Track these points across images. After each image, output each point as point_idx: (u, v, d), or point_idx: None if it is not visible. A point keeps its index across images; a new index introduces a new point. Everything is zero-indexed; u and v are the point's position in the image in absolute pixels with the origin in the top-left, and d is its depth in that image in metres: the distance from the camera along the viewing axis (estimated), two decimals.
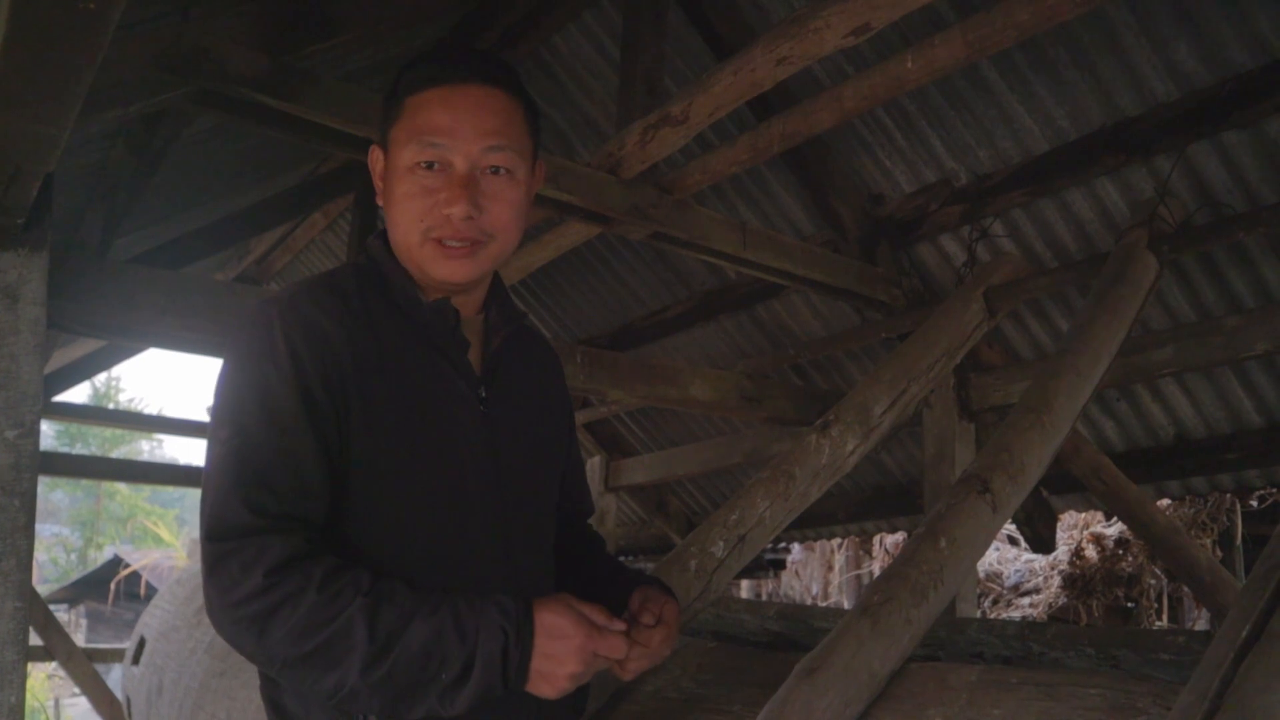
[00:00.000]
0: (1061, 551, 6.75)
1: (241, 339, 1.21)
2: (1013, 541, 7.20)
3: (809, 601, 8.79)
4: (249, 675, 1.27)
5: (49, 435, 23.90)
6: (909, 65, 2.32)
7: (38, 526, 1.80)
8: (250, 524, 1.09)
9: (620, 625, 1.15)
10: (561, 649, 1.10)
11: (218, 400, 1.19)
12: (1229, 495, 5.73)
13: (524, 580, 1.28)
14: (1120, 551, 6.53)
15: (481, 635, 1.08)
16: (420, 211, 1.23)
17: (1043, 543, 4.33)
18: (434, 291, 1.29)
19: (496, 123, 1.25)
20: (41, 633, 5.87)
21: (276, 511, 1.11)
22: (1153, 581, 6.46)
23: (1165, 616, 6.53)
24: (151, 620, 4.20)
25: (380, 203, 1.32)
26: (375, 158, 1.32)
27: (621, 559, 6.86)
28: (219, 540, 1.10)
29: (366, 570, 1.11)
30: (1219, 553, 5.98)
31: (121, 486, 23.91)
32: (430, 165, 1.23)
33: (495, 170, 1.26)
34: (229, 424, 1.15)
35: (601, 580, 1.40)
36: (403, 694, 1.07)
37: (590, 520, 1.62)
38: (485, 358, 1.33)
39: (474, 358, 1.31)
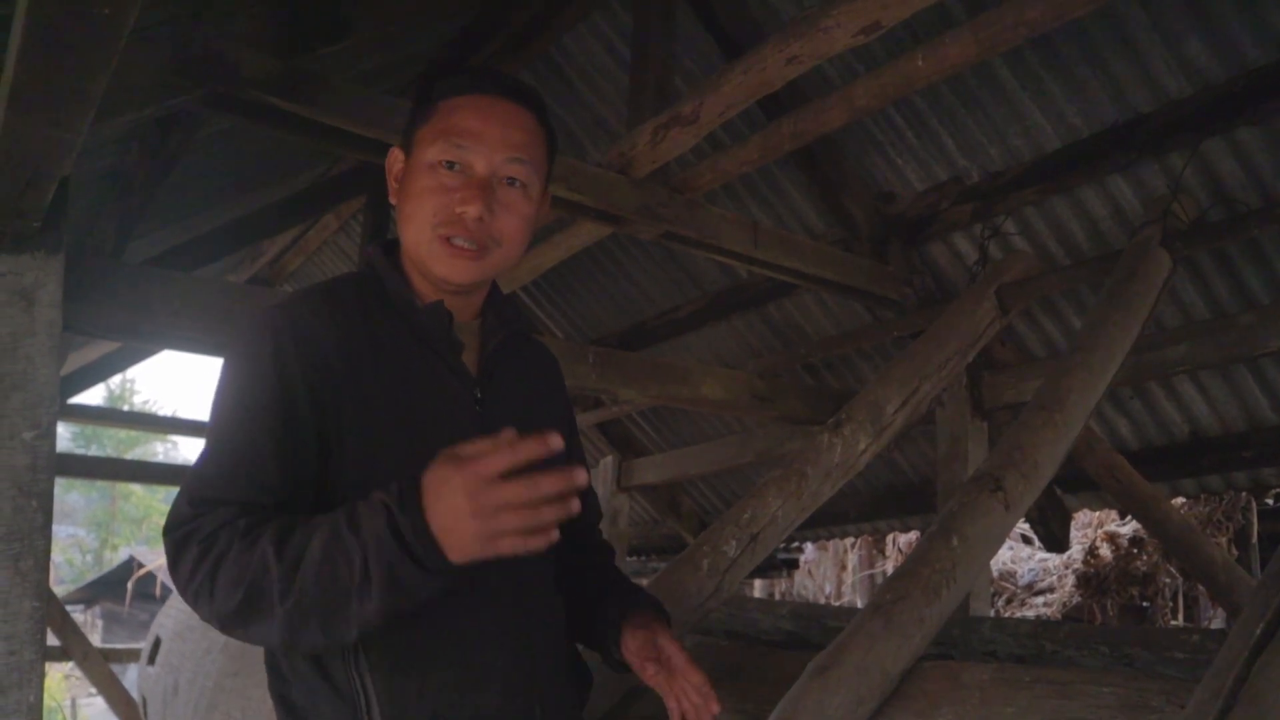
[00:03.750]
0: (1075, 550, 6.72)
1: (234, 346, 1.24)
2: (1026, 540, 7.18)
3: (822, 601, 8.78)
4: (263, 675, 1.27)
5: (65, 437, 24.06)
6: (920, 63, 2.31)
7: (54, 528, 1.81)
8: (190, 516, 1.13)
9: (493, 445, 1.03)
10: (448, 493, 1.01)
11: (209, 407, 1.23)
12: (1244, 493, 5.70)
13: (525, 578, 1.30)
14: (1135, 550, 6.50)
15: (364, 519, 1.04)
16: (435, 207, 1.26)
17: (1056, 541, 4.31)
18: (432, 295, 1.31)
19: (522, 137, 1.30)
20: (58, 633, 5.92)
21: (217, 500, 1.13)
22: (1168, 580, 6.43)
23: (1180, 615, 6.50)
24: (167, 621, 4.22)
25: (394, 201, 1.34)
26: (394, 159, 1.36)
27: (634, 559, 6.86)
28: (167, 534, 1.14)
29: (291, 515, 1.12)
30: (1234, 551, 5.95)
31: (136, 488, 24.04)
32: (452, 165, 1.26)
33: (512, 181, 1.29)
34: (208, 429, 1.20)
35: (594, 595, 1.42)
36: (321, 610, 1.04)
37: (602, 521, 1.62)
38: (482, 360, 1.35)
39: (471, 360, 1.33)
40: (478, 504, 0.99)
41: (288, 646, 1.11)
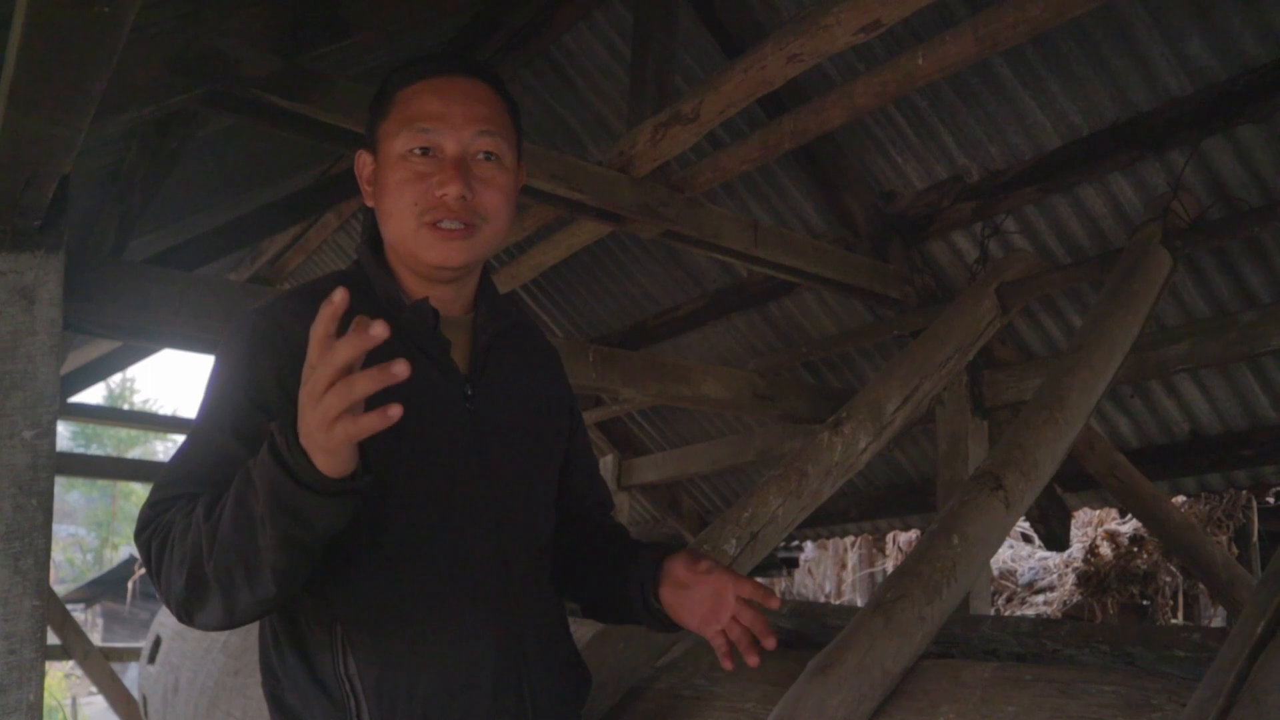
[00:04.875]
0: (1076, 549, 6.73)
1: (217, 352, 1.24)
2: (1027, 539, 7.18)
3: (822, 599, 8.78)
4: None
5: (65, 436, 24.07)
6: (920, 61, 2.31)
7: (54, 527, 1.81)
8: (150, 515, 1.13)
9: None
10: (303, 404, 0.95)
11: None
12: (1245, 492, 5.70)
13: (516, 575, 1.29)
14: (1135, 549, 6.50)
15: (261, 452, 1.00)
16: (414, 196, 1.25)
17: (1057, 540, 4.31)
18: (420, 291, 1.30)
19: (485, 110, 1.29)
20: (59, 632, 5.93)
21: (175, 495, 1.13)
22: (1168, 579, 6.44)
23: (1181, 614, 6.50)
24: (167, 620, 4.22)
25: (369, 204, 1.33)
26: (363, 162, 1.35)
27: None
28: (135, 539, 1.14)
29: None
30: (1235, 549, 5.96)
31: (137, 487, 24.00)
32: (423, 151, 1.25)
33: (486, 156, 1.28)
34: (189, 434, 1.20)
35: (616, 564, 1.37)
36: (240, 555, 1.01)
37: (612, 507, 1.60)
38: (473, 356, 1.33)
39: (462, 356, 1.32)
40: (311, 396, 0.93)
41: (228, 615, 1.07)
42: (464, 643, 1.22)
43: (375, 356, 1.23)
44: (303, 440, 0.95)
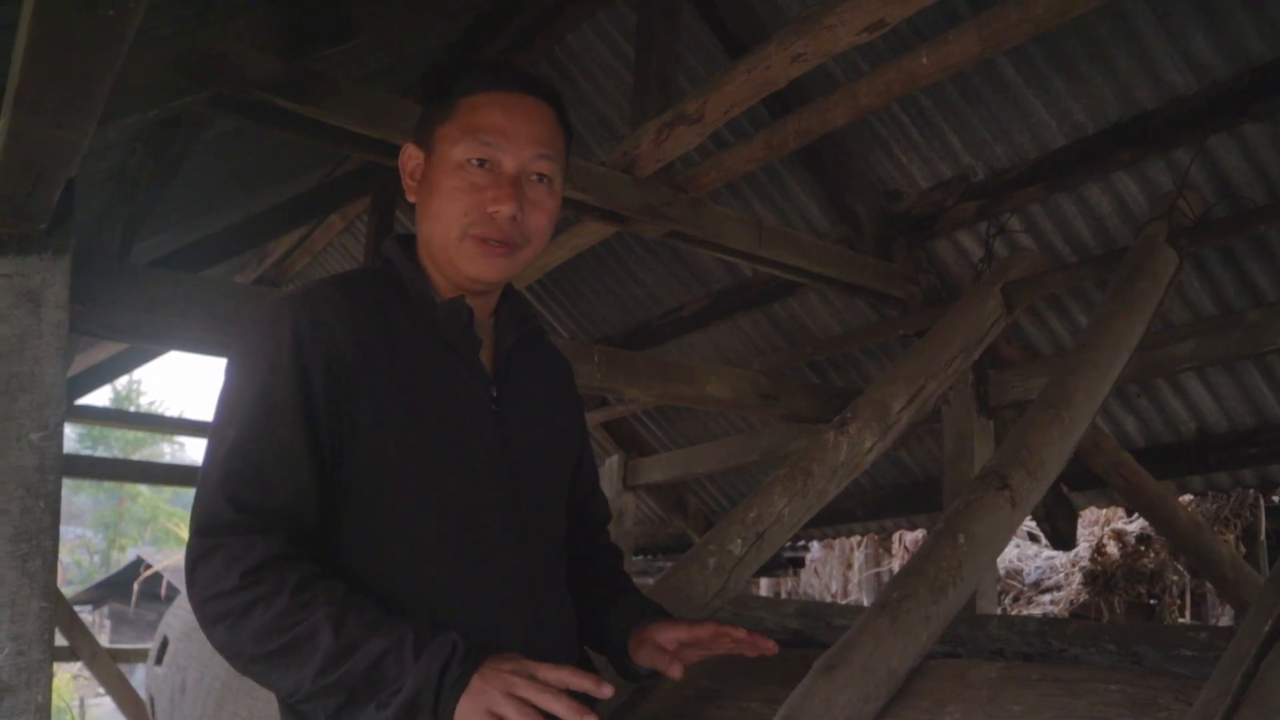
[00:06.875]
0: (1082, 548, 6.71)
1: (249, 336, 1.23)
2: (1033, 538, 7.18)
3: (828, 599, 8.77)
4: None
5: (72, 438, 24.15)
6: (924, 61, 2.31)
7: (61, 529, 1.81)
8: (233, 521, 1.12)
9: (574, 682, 1.09)
10: (500, 678, 1.06)
11: (221, 396, 1.21)
12: (1252, 490, 5.69)
13: (538, 576, 1.29)
14: (1142, 548, 6.49)
15: (430, 651, 1.07)
16: (466, 207, 1.25)
17: (1063, 539, 4.30)
18: (452, 291, 1.31)
19: (547, 134, 1.30)
20: (66, 633, 5.94)
21: (260, 508, 1.13)
22: (1175, 578, 6.42)
23: (1188, 613, 6.49)
24: (174, 621, 4.24)
25: (411, 199, 1.34)
26: (410, 155, 1.35)
27: (641, 558, 6.84)
28: (203, 536, 1.13)
29: (341, 582, 1.13)
30: (1242, 548, 5.95)
31: (143, 489, 24.09)
32: (482, 163, 1.26)
33: (539, 177, 1.29)
34: (226, 420, 1.18)
35: (599, 604, 1.42)
36: (349, 696, 1.08)
37: (610, 521, 1.62)
38: (497, 358, 1.34)
39: (485, 358, 1.33)
40: (506, 695, 1.04)
41: (289, 700, 1.14)
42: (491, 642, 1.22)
43: (411, 355, 1.24)
44: (476, 677, 1.05)
